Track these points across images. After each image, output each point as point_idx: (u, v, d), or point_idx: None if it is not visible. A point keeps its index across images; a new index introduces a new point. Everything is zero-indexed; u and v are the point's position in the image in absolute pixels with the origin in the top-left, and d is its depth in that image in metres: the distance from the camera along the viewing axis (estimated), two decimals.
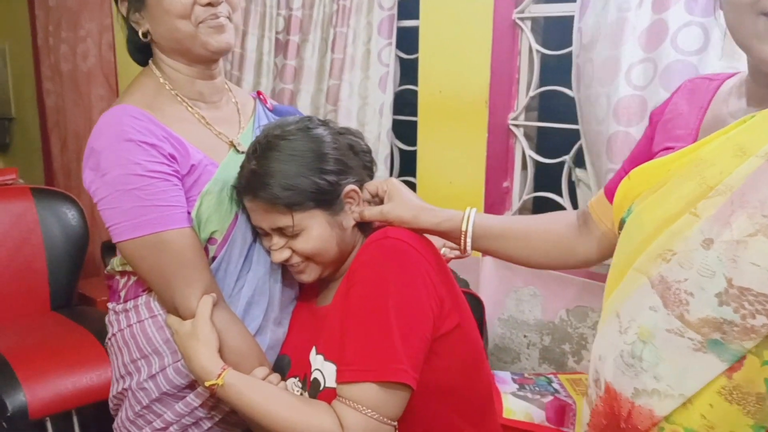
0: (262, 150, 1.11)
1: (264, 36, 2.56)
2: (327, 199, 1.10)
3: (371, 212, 1.13)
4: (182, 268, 1.10)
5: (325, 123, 1.17)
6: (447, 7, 2.02)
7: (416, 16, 2.16)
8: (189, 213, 1.12)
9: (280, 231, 1.12)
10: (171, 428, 1.19)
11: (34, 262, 2.52)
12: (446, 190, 2.10)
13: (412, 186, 2.22)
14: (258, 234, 1.19)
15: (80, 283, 2.68)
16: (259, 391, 1.06)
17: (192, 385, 1.18)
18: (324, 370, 1.09)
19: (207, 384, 1.05)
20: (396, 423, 1.03)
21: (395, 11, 2.21)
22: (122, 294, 1.22)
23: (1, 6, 4.32)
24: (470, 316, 1.15)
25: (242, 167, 1.13)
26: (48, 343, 2.27)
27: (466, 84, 2.00)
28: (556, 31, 2.06)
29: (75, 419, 2.13)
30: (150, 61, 1.22)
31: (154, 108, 1.14)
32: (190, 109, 1.19)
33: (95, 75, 3.38)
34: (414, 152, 2.23)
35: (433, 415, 1.09)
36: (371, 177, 1.20)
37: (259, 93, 1.37)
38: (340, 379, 1.03)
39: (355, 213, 1.14)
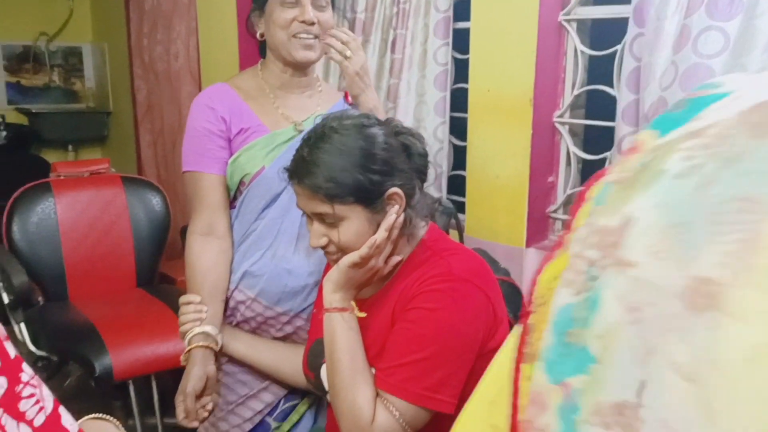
0: (315, 139, 1.16)
1: None
2: (368, 197, 1.14)
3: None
4: (198, 202, 1.47)
5: (383, 122, 1.20)
6: (495, 9, 2.13)
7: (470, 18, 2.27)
8: (227, 161, 1.45)
9: (320, 218, 1.17)
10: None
11: (122, 244, 2.79)
12: (493, 183, 2.21)
13: (462, 179, 2.35)
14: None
15: (162, 263, 2.92)
16: (346, 339, 1.17)
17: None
18: None
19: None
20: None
21: (451, 13, 2.33)
22: None
23: (103, 9, 4.69)
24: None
25: (297, 151, 1.20)
26: (132, 315, 2.52)
27: (512, 83, 2.10)
28: (603, 32, 2.13)
29: (153, 382, 2.35)
30: (261, 61, 1.56)
31: (241, 88, 1.51)
32: (269, 94, 1.52)
33: (183, 74, 3.63)
34: (464, 147, 2.35)
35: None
36: (423, 181, 1.23)
37: (345, 93, 1.63)
38: (390, 379, 1.12)
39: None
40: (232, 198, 1.51)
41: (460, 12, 2.35)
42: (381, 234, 1.15)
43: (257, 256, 1.47)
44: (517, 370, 0.47)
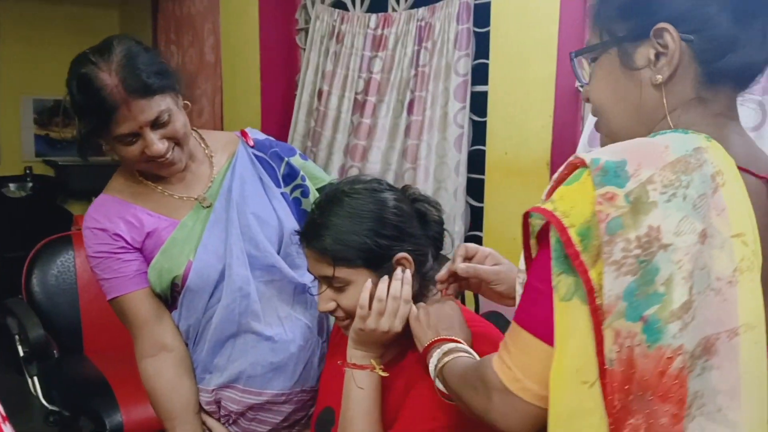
0: (326, 202, 1.16)
1: (344, 96, 2.78)
2: (376, 261, 1.11)
3: (482, 270, 1.11)
4: (134, 325, 1.36)
5: (395, 189, 1.19)
6: (513, 74, 2.16)
7: (487, 82, 2.31)
8: (145, 272, 1.34)
9: (329, 282, 1.15)
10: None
11: None
12: (510, 245, 2.19)
13: (479, 240, 2.34)
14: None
15: None
16: None
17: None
18: None
19: None
20: None
21: (469, 77, 2.37)
22: None
23: None
24: None
25: (308, 215, 1.20)
26: None
27: (530, 146, 2.12)
28: None
29: None
30: None
31: (123, 192, 1.39)
32: (155, 188, 1.39)
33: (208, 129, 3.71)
34: (481, 208, 2.35)
35: None
36: (438, 249, 1.20)
37: (243, 132, 1.49)
38: None
39: (461, 265, 1.11)
40: (171, 301, 1.39)
41: (477, 75, 2.39)
42: (378, 290, 1.12)
43: (228, 346, 1.37)
44: (598, 326, 0.70)
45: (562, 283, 0.73)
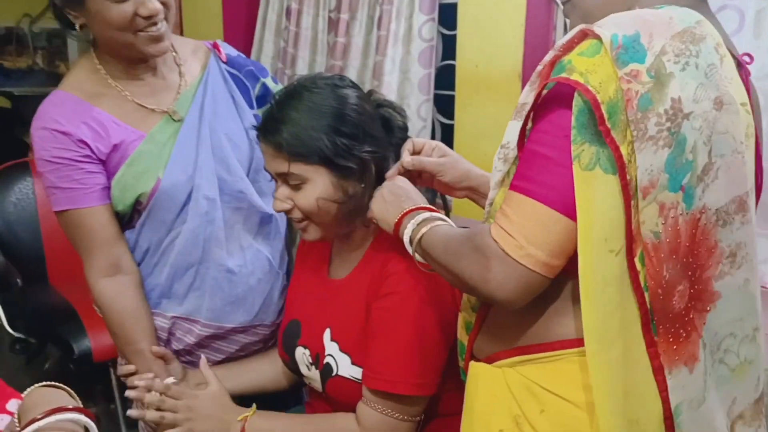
0: (285, 96, 1.11)
1: (318, 14, 2.67)
2: (335, 161, 1.07)
3: (427, 162, 1.10)
4: (90, 242, 1.25)
5: (359, 88, 1.15)
6: None
7: None
8: (108, 187, 1.24)
9: (284, 179, 1.11)
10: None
11: None
12: (482, 161, 2.15)
13: None
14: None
15: None
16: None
17: None
18: (338, 358, 1.15)
19: None
20: (419, 417, 1.11)
21: None
22: None
23: None
24: None
25: (266, 108, 1.15)
26: None
27: (501, 59, 2.06)
28: None
29: None
30: (91, 47, 1.29)
31: (85, 90, 1.24)
32: (122, 91, 1.27)
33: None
34: (452, 126, 2.30)
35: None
36: (398, 156, 1.16)
37: (215, 44, 1.40)
38: (366, 383, 1.10)
39: (407, 158, 1.09)
40: (128, 219, 1.31)
41: None
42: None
43: (190, 274, 1.31)
44: (628, 200, 0.74)
45: (585, 152, 0.73)
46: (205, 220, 1.28)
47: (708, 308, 0.81)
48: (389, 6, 2.37)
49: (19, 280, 2.54)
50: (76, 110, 1.22)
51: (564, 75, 0.74)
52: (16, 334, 2.37)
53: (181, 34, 3.38)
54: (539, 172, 0.77)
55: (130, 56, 1.24)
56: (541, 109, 0.78)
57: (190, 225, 1.28)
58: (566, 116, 0.74)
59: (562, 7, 0.91)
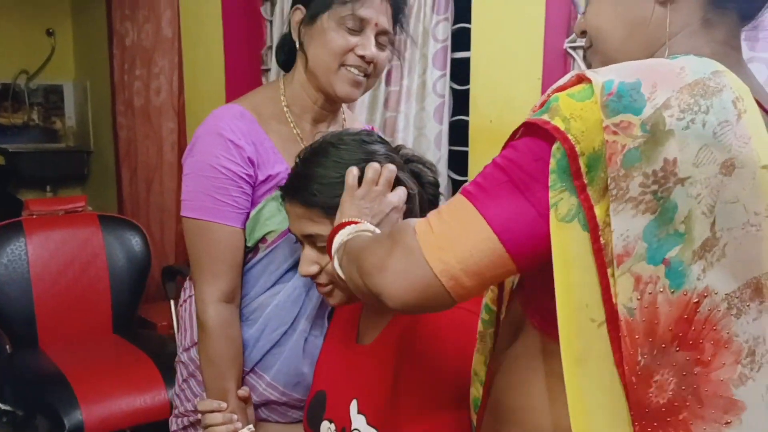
0: (310, 154, 1.08)
1: None
2: None
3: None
4: (214, 261, 1.19)
5: (387, 143, 1.11)
6: (498, 37, 2.03)
7: (468, 48, 2.17)
8: (248, 214, 1.20)
9: (310, 240, 1.07)
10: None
11: (98, 286, 2.63)
12: None
13: None
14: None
15: (141, 307, 2.78)
16: None
17: None
18: None
19: None
20: None
21: (449, 42, 2.23)
22: None
23: (86, 46, 4.59)
24: None
25: (292, 169, 1.11)
26: (107, 365, 2.35)
27: (517, 112, 1.99)
28: None
29: None
30: (282, 77, 1.31)
31: (261, 114, 1.24)
32: (293, 128, 1.27)
33: (166, 109, 3.53)
34: (465, 182, 2.23)
35: None
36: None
37: (372, 128, 1.42)
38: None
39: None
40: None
41: (457, 41, 2.26)
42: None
43: (279, 332, 1.24)
44: (602, 267, 0.65)
45: (563, 202, 0.66)
46: (309, 281, 1.21)
47: (728, 420, 0.67)
48: (400, 61, 2.32)
49: (8, 347, 2.41)
50: (251, 129, 1.21)
51: (546, 117, 0.67)
52: (3, 407, 2.23)
53: (180, 34, 3.34)
54: (497, 194, 0.69)
55: (321, 87, 1.24)
56: (519, 132, 0.73)
57: (298, 281, 1.23)
58: (541, 145, 0.67)
59: (583, 53, 0.87)
